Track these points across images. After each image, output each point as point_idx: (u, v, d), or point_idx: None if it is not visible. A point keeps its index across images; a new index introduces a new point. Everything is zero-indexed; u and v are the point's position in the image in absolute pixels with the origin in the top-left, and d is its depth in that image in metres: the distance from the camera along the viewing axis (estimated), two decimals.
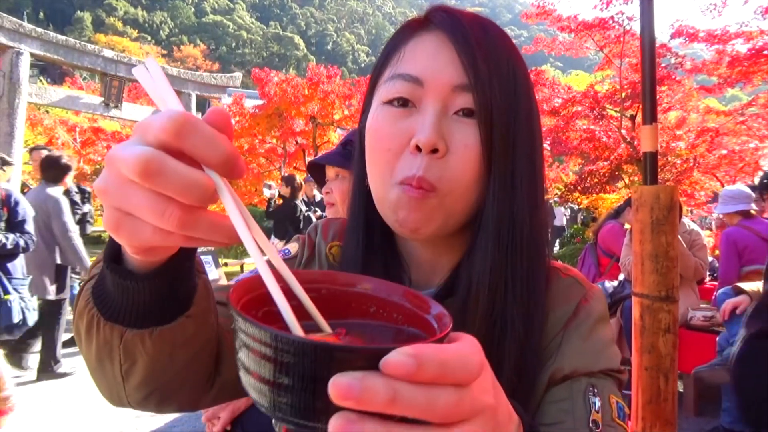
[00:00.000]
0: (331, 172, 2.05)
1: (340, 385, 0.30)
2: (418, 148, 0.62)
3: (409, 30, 0.70)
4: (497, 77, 0.64)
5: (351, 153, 1.77)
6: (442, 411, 0.32)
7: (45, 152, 5.17)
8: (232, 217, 0.38)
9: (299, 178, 7.02)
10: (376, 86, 0.71)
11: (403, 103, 0.66)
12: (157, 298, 0.51)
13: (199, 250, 0.51)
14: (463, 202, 0.65)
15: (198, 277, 0.55)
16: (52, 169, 4.80)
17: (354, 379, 0.30)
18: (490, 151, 0.63)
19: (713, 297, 4.39)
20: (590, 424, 0.61)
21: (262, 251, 0.39)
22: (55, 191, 4.72)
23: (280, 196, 7.12)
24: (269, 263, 0.40)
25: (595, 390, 0.64)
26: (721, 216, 5.08)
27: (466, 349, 0.34)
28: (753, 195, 4.26)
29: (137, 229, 0.39)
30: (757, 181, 11.79)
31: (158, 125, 0.36)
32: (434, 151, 0.62)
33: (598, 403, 0.63)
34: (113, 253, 0.49)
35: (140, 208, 0.37)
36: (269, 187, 7.53)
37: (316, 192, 7.49)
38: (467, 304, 0.66)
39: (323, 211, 6.97)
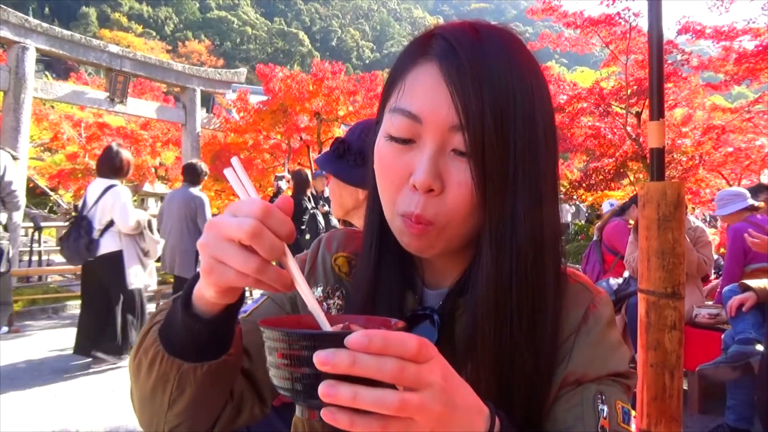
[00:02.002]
0: None
1: (320, 355, 0.44)
2: (416, 187, 0.66)
3: (411, 57, 0.70)
4: (492, 113, 0.63)
5: (334, 154, 1.73)
6: (389, 373, 0.44)
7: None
8: (294, 272, 0.55)
9: (308, 173, 6.97)
10: (386, 104, 0.74)
11: (404, 140, 0.68)
12: (211, 339, 0.64)
13: None
14: (462, 230, 0.69)
15: (236, 326, 0.68)
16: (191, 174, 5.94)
17: (329, 351, 0.44)
18: (484, 189, 0.65)
19: (716, 293, 4.39)
20: (599, 430, 0.67)
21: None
22: (198, 191, 5.82)
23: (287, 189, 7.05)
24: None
25: (603, 397, 0.69)
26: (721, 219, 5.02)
27: (406, 335, 0.46)
28: (748, 192, 4.26)
29: (224, 272, 0.54)
30: (763, 178, 11.76)
31: (252, 208, 0.53)
32: (430, 190, 0.65)
33: (606, 411, 0.68)
34: (186, 302, 0.63)
35: (231, 257, 0.53)
36: (282, 179, 7.35)
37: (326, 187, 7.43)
38: (477, 306, 0.69)
39: (330, 205, 6.89)
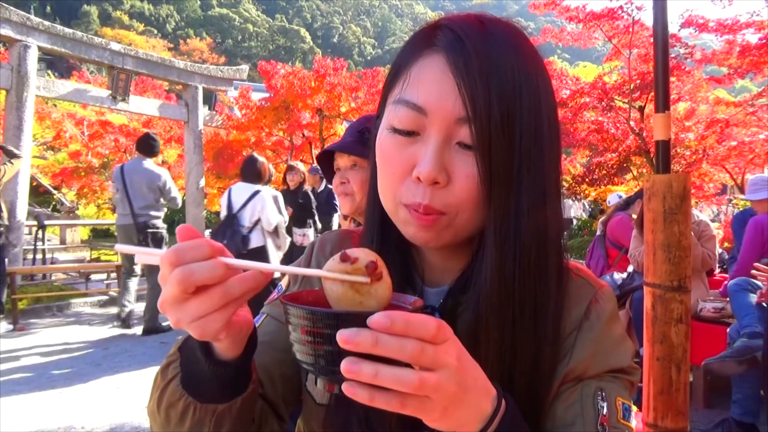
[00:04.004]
0: (346, 161, 1.98)
1: (343, 334, 0.45)
2: (420, 179, 0.65)
3: (416, 48, 0.70)
4: (499, 106, 0.63)
5: (369, 141, 1.73)
6: (410, 354, 0.46)
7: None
8: (240, 264, 0.54)
9: (302, 167, 6.94)
10: (388, 98, 0.73)
11: (408, 132, 0.67)
12: (239, 375, 0.65)
13: None
14: (472, 220, 0.68)
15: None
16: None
17: (352, 331, 0.45)
18: (489, 183, 0.64)
19: (722, 286, 4.36)
20: (598, 427, 0.67)
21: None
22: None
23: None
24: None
25: (603, 394, 0.69)
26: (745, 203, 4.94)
27: (426, 317, 0.48)
28: None
29: (211, 323, 0.53)
30: (767, 171, 11.69)
31: (164, 268, 0.52)
32: (435, 183, 0.65)
33: (605, 408, 0.68)
34: (207, 353, 0.62)
35: (198, 308, 0.52)
36: (292, 169, 7.07)
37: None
38: (480, 303, 0.69)
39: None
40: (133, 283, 6.73)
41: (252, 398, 0.68)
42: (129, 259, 6.66)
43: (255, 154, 5.73)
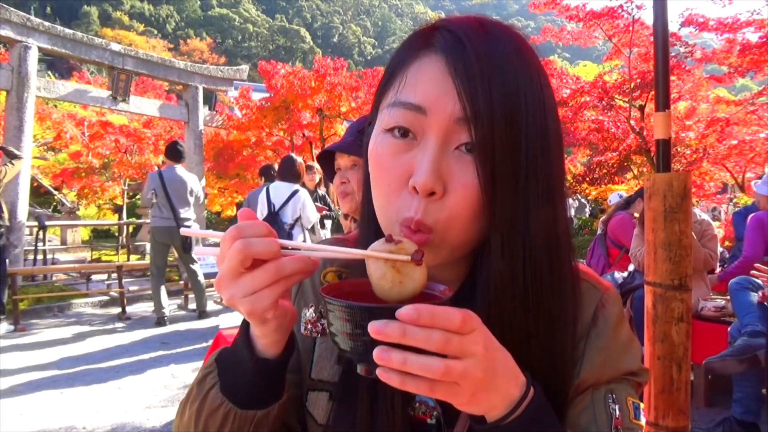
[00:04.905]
0: (346, 161, 1.99)
1: (374, 326, 0.49)
2: (416, 189, 0.63)
3: (413, 50, 0.67)
4: (502, 106, 0.61)
5: (360, 139, 1.74)
6: (435, 343, 0.49)
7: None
8: (296, 245, 0.59)
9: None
10: (381, 103, 0.71)
11: (404, 133, 0.65)
12: (276, 379, 0.67)
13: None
14: (464, 236, 0.66)
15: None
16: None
17: (382, 323, 0.49)
18: (492, 189, 0.62)
19: (719, 278, 4.34)
20: (613, 431, 0.67)
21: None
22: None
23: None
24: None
25: (614, 397, 0.69)
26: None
27: (452, 310, 0.50)
28: None
29: (260, 299, 0.57)
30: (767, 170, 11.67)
31: (226, 242, 0.57)
32: (431, 194, 0.62)
33: (617, 410, 0.68)
34: (251, 351, 0.65)
35: (251, 281, 0.56)
36: (311, 168, 7.05)
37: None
38: (491, 318, 0.66)
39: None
40: (162, 283, 7.22)
41: (284, 408, 0.69)
42: (162, 258, 7.24)
43: (292, 155, 5.95)
